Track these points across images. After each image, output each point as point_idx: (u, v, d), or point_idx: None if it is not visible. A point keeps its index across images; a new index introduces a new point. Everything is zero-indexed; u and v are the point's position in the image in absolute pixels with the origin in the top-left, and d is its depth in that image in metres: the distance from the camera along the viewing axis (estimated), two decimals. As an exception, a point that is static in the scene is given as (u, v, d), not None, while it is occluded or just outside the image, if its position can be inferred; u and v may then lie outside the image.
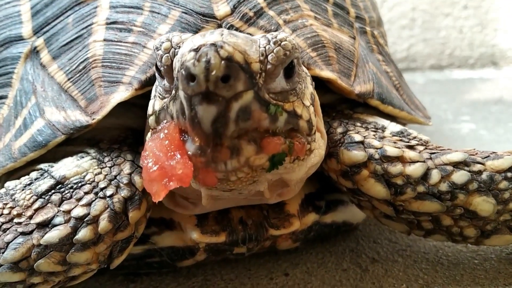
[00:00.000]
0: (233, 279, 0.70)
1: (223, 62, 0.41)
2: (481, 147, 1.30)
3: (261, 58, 0.46)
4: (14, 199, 0.57)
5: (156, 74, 0.51)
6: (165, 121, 0.48)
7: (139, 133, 0.65)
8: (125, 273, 0.71)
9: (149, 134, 0.54)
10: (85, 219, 0.54)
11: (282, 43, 0.47)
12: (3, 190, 0.59)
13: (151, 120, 0.52)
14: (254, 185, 0.51)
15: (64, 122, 0.60)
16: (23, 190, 0.57)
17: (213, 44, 0.42)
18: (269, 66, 0.46)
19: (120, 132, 0.65)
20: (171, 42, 0.48)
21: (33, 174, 0.59)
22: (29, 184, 0.58)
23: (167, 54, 0.48)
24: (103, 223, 0.54)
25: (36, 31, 0.67)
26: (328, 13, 0.74)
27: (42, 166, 0.60)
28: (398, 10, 2.34)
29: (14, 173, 0.65)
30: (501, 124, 1.53)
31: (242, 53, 0.43)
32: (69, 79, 0.62)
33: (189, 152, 0.45)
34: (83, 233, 0.53)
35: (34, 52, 0.66)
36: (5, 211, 0.56)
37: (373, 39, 0.82)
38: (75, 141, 0.63)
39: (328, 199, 0.73)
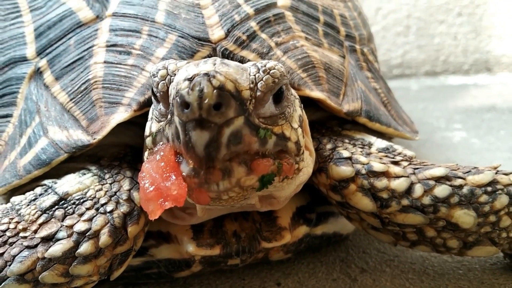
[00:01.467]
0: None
1: (215, 91, 0.45)
2: (472, 155, 1.34)
3: (251, 85, 0.49)
4: (19, 214, 0.60)
5: (152, 99, 0.54)
6: (161, 142, 0.52)
7: (137, 150, 0.69)
8: (124, 283, 0.74)
9: (146, 153, 0.58)
10: (86, 234, 0.57)
11: (271, 71, 0.51)
12: (9, 205, 0.62)
13: (148, 141, 0.55)
14: (245, 201, 0.55)
15: (66, 141, 0.63)
16: (28, 205, 0.61)
17: (206, 74, 0.45)
18: (258, 93, 0.50)
19: (120, 150, 0.68)
20: (167, 69, 0.51)
21: (38, 190, 0.62)
22: (34, 200, 0.61)
23: (163, 81, 0.51)
24: (104, 237, 0.57)
25: (40, 52, 0.71)
26: (319, 33, 0.78)
27: (46, 182, 0.63)
28: (393, 17, 2.38)
29: (19, 189, 0.68)
30: (493, 132, 1.56)
31: (233, 82, 0.47)
32: (71, 100, 0.66)
33: (183, 173, 0.48)
34: (85, 247, 0.57)
35: (38, 72, 0.69)
36: (11, 226, 0.59)
37: (362, 57, 0.86)
38: (77, 158, 0.67)
39: (319, 211, 0.77)
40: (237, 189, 0.50)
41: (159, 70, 0.52)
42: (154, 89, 0.52)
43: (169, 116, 0.49)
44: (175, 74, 0.50)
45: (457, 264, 0.78)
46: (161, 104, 0.52)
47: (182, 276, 0.71)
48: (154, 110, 0.54)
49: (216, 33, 0.67)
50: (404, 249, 0.83)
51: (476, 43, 2.41)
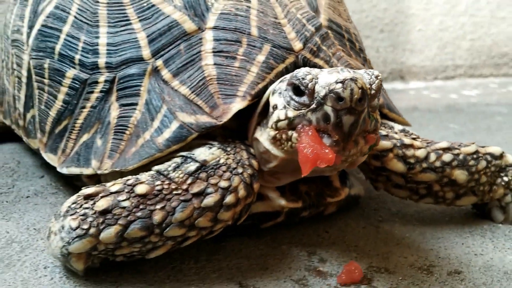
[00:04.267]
0: (291, 237, 0.97)
1: (359, 90, 0.70)
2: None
3: (369, 86, 0.74)
4: (169, 177, 0.78)
5: (292, 94, 0.75)
6: (300, 125, 0.74)
7: (234, 131, 0.90)
8: (213, 237, 0.94)
9: (271, 132, 0.79)
10: (229, 189, 0.78)
11: (378, 77, 0.76)
12: (152, 172, 0.80)
13: (283, 123, 0.76)
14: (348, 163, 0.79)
15: (195, 123, 0.83)
16: (174, 171, 0.79)
17: (351, 79, 0.70)
18: (373, 92, 0.75)
19: (224, 130, 0.89)
20: (311, 74, 0.74)
21: (178, 160, 0.81)
22: (178, 167, 0.80)
23: (311, 83, 0.74)
24: (241, 191, 0.79)
25: (154, 55, 0.89)
26: (347, 47, 1.05)
27: (183, 154, 0.82)
28: (327, 31, 2.73)
29: (149, 164, 0.85)
30: (424, 127, 1.95)
31: (364, 84, 0.71)
32: (192, 92, 0.85)
33: (327, 144, 0.72)
34: (229, 198, 0.78)
35: (155, 71, 0.88)
36: (165, 186, 0.78)
37: (369, 65, 1.15)
38: (196, 137, 0.86)
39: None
40: (358, 154, 0.75)
41: (307, 74, 0.74)
42: (301, 87, 0.74)
43: (313, 106, 0.73)
44: (317, 78, 0.74)
45: (442, 214, 1.10)
46: (304, 97, 0.75)
47: (267, 226, 0.94)
48: (291, 101, 0.76)
49: (297, 45, 0.91)
50: (402, 206, 1.13)
51: (393, 55, 2.86)
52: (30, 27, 1.02)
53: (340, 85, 0.70)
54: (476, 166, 0.97)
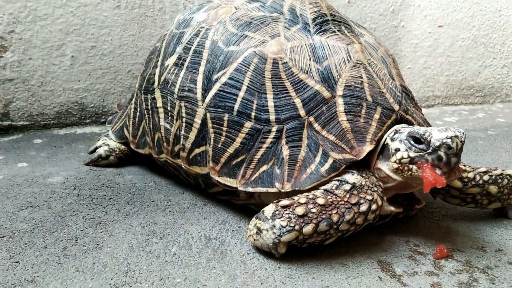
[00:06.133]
0: (388, 231, 1.45)
1: (460, 142, 1.20)
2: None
3: (462, 139, 1.24)
4: (335, 194, 1.26)
5: (412, 142, 1.24)
6: (419, 161, 1.23)
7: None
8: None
9: (394, 165, 1.28)
10: (372, 200, 1.26)
11: (464, 134, 1.26)
12: (321, 190, 1.26)
13: (405, 160, 1.24)
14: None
15: (343, 159, 1.30)
16: (336, 189, 1.27)
17: (456, 136, 1.20)
18: (463, 142, 1.25)
19: (354, 162, 1.37)
20: (428, 132, 1.24)
21: (336, 182, 1.27)
22: (337, 187, 1.27)
23: (428, 137, 1.22)
24: (379, 202, 1.26)
25: (307, 113, 1.35)
26: (413, 103, 1.55)
27: (338, 178, 1.29)
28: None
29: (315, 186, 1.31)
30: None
31: (461, 138, 1.22)
32: (336, 138, 1.32)
33: (438, 174, 1.21)
34: (374, 206, 1.25)
35: (309, 124, 1.34)
36: (334, 199, 1.24)
37: (421, 111, 1.67)
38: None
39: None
40: (454, 179, 1.25)
41: (425, 132, 1.23)
42: (422, 139, 1.23)
43: (429, 150, 1.21)
44: (430, 134, 1.23)
45: (475, 214, 1.62)
46: (423, 145, 1.24)
47: (378, 224, 1.42)
48: (412, 147, 1.25)
49: (396, 107, 1.41)
50: (447, 210, 1.64)
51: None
52: (205, 90, 1.45)
53: (450, 140, 1.20)
54: (502, 183, 1.51)
